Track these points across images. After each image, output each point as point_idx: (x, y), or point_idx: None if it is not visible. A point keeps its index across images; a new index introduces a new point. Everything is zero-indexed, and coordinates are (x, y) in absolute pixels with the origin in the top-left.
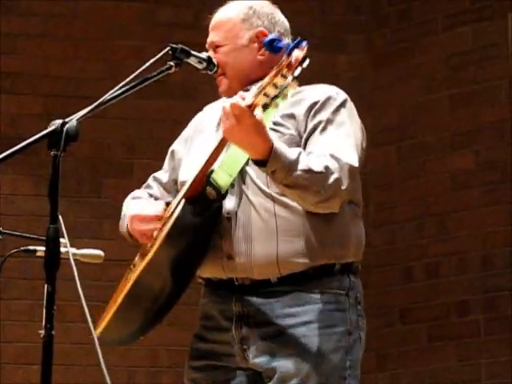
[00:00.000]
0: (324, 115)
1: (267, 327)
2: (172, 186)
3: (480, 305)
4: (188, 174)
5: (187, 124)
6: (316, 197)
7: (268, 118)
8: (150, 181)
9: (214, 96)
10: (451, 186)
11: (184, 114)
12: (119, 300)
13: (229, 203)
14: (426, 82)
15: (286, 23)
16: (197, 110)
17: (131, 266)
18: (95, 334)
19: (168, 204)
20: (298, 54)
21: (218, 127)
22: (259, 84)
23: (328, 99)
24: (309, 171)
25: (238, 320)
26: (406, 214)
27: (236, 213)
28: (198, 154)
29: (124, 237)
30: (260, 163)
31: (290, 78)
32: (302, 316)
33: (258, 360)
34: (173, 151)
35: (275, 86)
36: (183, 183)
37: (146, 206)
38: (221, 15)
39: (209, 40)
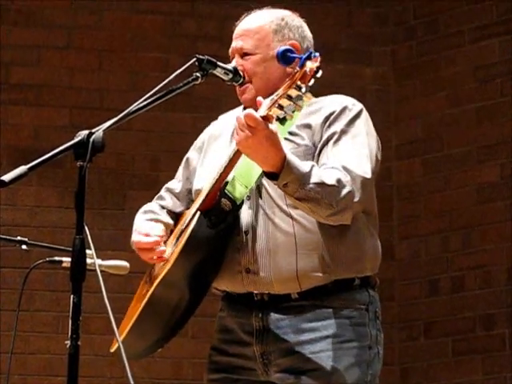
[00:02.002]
0: (338, 126)
1: (288, 342)
2: (185, 196)
3: (505, 318)
4: (203, 182)
5: None
6: (328, 210)
7: (285, 130)
8: (163, 192)
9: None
10: (476, 199)
11: (208, 126)
12: (136, 314)
13: (245, 216)
14: (452, 95)
15: (311, 38)
16: None
17: (146, 279)
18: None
19: (180, 215)
20: (311, 65)
21: (232, 137)
22: (274, 95)
23: (344, 110)
24: (321, 184)
25: (259, 335)
26: (431, 226)
27: (253, 226)
28: (213, 162)
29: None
30: (272, 175)
31: (304, 89)
32: (322, 330)
33: (280, 375)
34: (188, 159)
35: (289, 97)
36: (198, 191)
37: (143, 233)
38: (251, 23)
39: (235, 46)
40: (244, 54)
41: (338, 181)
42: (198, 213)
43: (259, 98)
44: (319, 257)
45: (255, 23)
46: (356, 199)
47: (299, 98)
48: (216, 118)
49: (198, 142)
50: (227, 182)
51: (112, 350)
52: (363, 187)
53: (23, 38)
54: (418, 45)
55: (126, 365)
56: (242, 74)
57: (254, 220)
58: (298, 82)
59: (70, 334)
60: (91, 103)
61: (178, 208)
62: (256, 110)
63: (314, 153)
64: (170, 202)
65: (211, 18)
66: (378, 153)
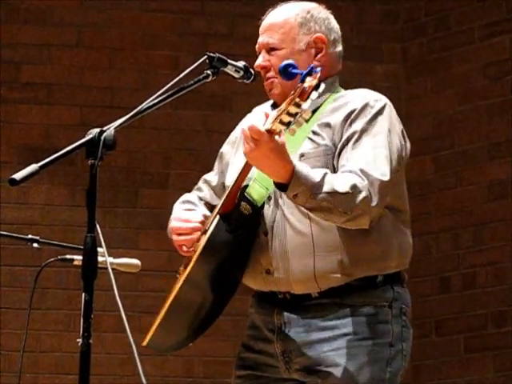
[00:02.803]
0: (359, 125)
1: (307, 340)
2: (221, 189)
3: None
4: (232, 179)
5: (223, 134)
6: (342, 217)
7: (309, 129)
8: (201, 183)
9: (249, 106)
10: (488, 196)
11: (219, 124)
12: (163, 311)
13: (265, 217)
14: (463, 92)
15: (339, 30)
16: (232, 120)
17: (177, 275)
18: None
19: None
20: (309, 81)
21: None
22: (277, 109)
23: (365, 107)
24: (333, 193)
25: (280, 332)
26: (442, 224)
27: (272, 227)
28: (242, 160)
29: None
30: (281, 186)
31: (303, 105)
32: (341, 328)
33: (300, 372)
34: (221, 153)
35: (289, 113)
36: (228, 187)
37: (184, 219)
38: (276, 16)
39: (262, 41)
40: (270, 49)
41: (353, 187)
42: (218, 217)
43: (267, 112)
44: (338, 258)
45: (280, 17)
46: (373, 203)
47: (298, 114)
48: (229, 117)
49: (232, 136)
50: (247, 185)
51: (144, 344)
52: (381, 191)
53: (33, 36)
54: (429, 42)
55: (138, 363)
56: (251, 71)
57: (274, 221)
58: (297, 99)
59: (81, 332)
60: (102, 101)
61: (215, 201)
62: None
63: (334, 153)
64: (207, 193)
65: (221, 16)
66: (404, 149)
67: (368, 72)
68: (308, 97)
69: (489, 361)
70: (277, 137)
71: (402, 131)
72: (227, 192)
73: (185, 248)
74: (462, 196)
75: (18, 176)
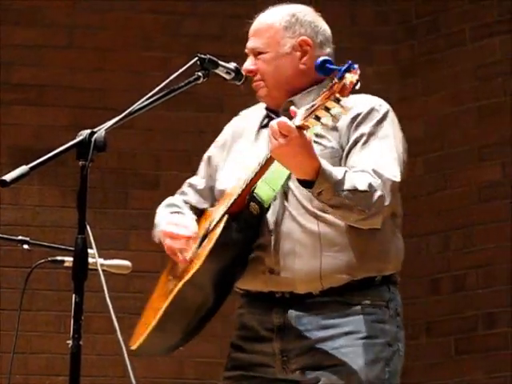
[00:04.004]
0: (366, 128)
1: (308, 338)
2: (209, 193)
3: (507, 317)
4: (227, 183)
5: (214, 135)
6: (360, 215)
7: (312, 132)
8: (185, 187)
9: (241, 107)
10: (478, 198)
11: (211, 125)
12: (159, 315)
13: (271, 217)
14: (454, 94)
15: (328, 32)
16: (224, 121)
17: (169, 276)
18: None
19: (202, 212)
20: (351, 77)
21: (257, 135)
22: (310, 105)
23: (371, 111)
24: (354, 191)
25: (279, 331)
26: (432, 225)
27: (278, 227)
28: (237, 162)
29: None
30: (305, 183)
31: (343, 101)
32: (343, 327)
33: (300, 371)
34: (209, 157)
35: (327, 109)
36: (222, 191)
37: (179, 224)
38: (262, 21)
39: (249, 46)
40: (257, 53)
41: (370, 186)
42: (226, 216)
43: (293, 108)
44: (344, 258)
45: (266, 21)
46: (386, 203)
47: (337, 110)
48: (220, 118)
49: (220, 140)
50: (255, 185)
51: (133, 348)
52: (393, 191)
53: (25, 37)
54: (420, 44)
55: (128, 364)
56: (243, 72)
57: (280, 221)
58: (337, 95)
59: (71, 333)
60: (93, 103)
61: (202, 204)
62: (273, 105)
63: (342, 155)
64: (193, 197)
65: (212, 18)
66: (405, 155)
67: (359, 73)
68: (349, 93)
69: (479, 362)
70: (304, 132)
71: (403, 136)
72: (239, 191)
73: (180, 256)
74: (452, 198)
75: (8, 177)
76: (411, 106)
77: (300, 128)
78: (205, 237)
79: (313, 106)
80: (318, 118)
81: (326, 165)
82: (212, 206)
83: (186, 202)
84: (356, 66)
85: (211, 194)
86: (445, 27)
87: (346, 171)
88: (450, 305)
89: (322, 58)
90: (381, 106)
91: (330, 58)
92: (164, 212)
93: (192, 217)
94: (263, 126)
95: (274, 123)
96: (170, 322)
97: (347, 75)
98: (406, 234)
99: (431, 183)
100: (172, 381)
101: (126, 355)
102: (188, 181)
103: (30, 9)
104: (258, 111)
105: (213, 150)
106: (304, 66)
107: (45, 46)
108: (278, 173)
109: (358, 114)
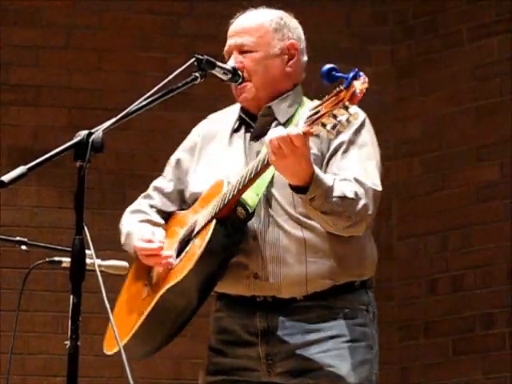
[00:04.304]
0: (345, 136)
1: (294, 342)
2: (177, 196)
3: (505, 318)
4: (202, 185)
5: None
6: (348, 222)
7: None
8: (151, 191)
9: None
10: (476, 198)
11: (197, 126)
12: (140, 320)
13: (254, 223)
14: (452, 94)
15: (305, 40)
16: None
17: (144, 281)
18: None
19: (170, 215)
20: (360, 86)
21: (231, 139)
22: (311, 112)
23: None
24: (343, 198)
25: (263, 335)
26: (429, 226)
27: (261, 232)
28: (211, 164)
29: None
30: (298, 189)
31: (351, 109)
32: (327, 331)
33: (285, 375)
34: (178, 160)
35: (334, 116)
36: (196, 194)
37: (149, 237)
38: (251, 20)
39: (234, 42)
40: (244, 51)
41: (356, 194)
42: (214, 221)
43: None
44: (327, 263)
45: (255, 21)
46: (369, 212)
47: (345, 118)
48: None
49: (188, 143)
50: None
51: (110, 353)
52: (374, 199)
53: (22, 38)
54: (417, 44)
55: (126, 365)
56: (240, 72)
57: (263, 226)
58: (347, 103)
59: (69, 334)
60: (90, 103)
61: (169, 208)
62: (254, 108)
63: (322, 162)
64: (159, 201)
65: (210, 18)
66: (380, 162)
67: None
68: (358, 101)
69: (477, 363)
70: None
71: (377, 143)
72: (228, 197)
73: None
74: (449, 198)
75: (6, 178)
76: (409, 106)
77: (305, 134)
78: (186, 241)
79: (317, 112)
80: (324, 125)
81: (318, 171)
82: (181, 209)
83: (151, 206)
84: (362, 73)
85: (179, 197)
86: (442, 27)
87: (335, 178)
88: (448, 305)
89: (328, 66)
90: (357, 113)
91: (335, 66)
92: (132, 220)
93: (161, 229)
94: (235, 130)
95: (281, 133)
96: (150, 330)
97: (356, 83)
98: (403, 234)
99: (429, 183)
100: (170, 381)
101: (124, 356)
102: (153, 184)
103: (28, 9)
104: (228, 114)
105: (181, 154)
106: (290, 69)
107: (43, 47)
108: (260, 178)
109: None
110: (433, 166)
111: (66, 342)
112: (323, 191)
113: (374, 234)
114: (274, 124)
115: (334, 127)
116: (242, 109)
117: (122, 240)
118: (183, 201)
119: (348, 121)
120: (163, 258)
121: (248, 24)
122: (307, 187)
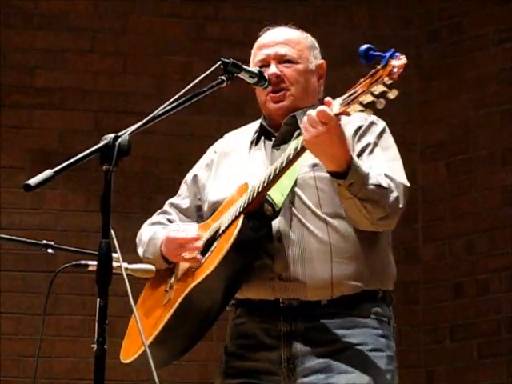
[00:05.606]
0: (370, 138)
1: (317, 348)
2: (193, 212)
3: None
4: (221, 194)
5: None
6: (383, 212)
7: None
8: (167, 207)
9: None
10: (501, 202)
11: (233, 129)
12: (161, 324)
13: (278, 223)
14: (477, 97)
15: None
16: (246, 124)
17: (167, 288)
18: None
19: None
20: (399, 62)
21: (250, 152)
22: (347, 94)
23: (371, 124)
24: (379, 186)
25: (286, 339)
26: (455, 229)
27: (286, 233)
28: (231, 172)
29: (150, 262)
30: (336, 175)
31: (390, 84)
32: (351, 338)
33: (308, 378)
34: (195, 176)
35: (372, 93)
36: (217, 203)
37: (181, 230)
38: (290, 34)
39: (275, 52)
40: (285, 61)
41: (389, 185)
42: (242, 216)
43: (328, 98)
44: (354, 265)
45: (294, 35)
46: (400, 205)
47: (383, 94)
48: (242, 122)
49: (204, 160)
50: None
51: (127, 361)
52: (405, 194)
53: (48, 42)
54: (442, 47)
55: (153, 368)
56: (267, 77)
57: (288, 227)
58: (386, 79)
59: (96, 337)
60: (116, 107)
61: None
62: (282, 117)
63: None
64: (175, 217)
65: (235, 22)
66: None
67: None
68: (398, 77)
69: (502, 366)
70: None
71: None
72: (258, 190)
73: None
74: (475, 201)
75: (32, 182)
76: (434, 109)
77: (340, 115)
78: (211, 242)
79: (353, 93)
80: (362, 104)
81: (355, 158)
82: (203, 221)
83: (169, 221)
84: (398, 53)
85: (196, 213)
86: (467, 30)
87: (370, 167)
88: (473, 308)
89: (365, 46)
90: (378, 120)
91: (372, 46)
92: (152, 229)
93: (193, 224)
94: (254, 143)
95: (311, 112)
96: (172, 332)
97: (393, 62)
98: (429, 237)
99: (455, 186)
100: None
101: (150, 359)
102: (169, 201)
103: (53, 13)
104: (245, 132)
105: (198, 170)
106: (319, 88)
107: (68, 50)
108: (281, 180)
109: (360, 127)
110: (459, 170)
111: (92, 346)
112: (361, 177)
113: (400, 238)
114: (296, 133)
115: (378, 97)
116: (264, 118)
117: (142, 249)
118: (200, 216)
119: (386, 97)
120: (195, 249)
121: (289, 36)
122: (345, 174)
